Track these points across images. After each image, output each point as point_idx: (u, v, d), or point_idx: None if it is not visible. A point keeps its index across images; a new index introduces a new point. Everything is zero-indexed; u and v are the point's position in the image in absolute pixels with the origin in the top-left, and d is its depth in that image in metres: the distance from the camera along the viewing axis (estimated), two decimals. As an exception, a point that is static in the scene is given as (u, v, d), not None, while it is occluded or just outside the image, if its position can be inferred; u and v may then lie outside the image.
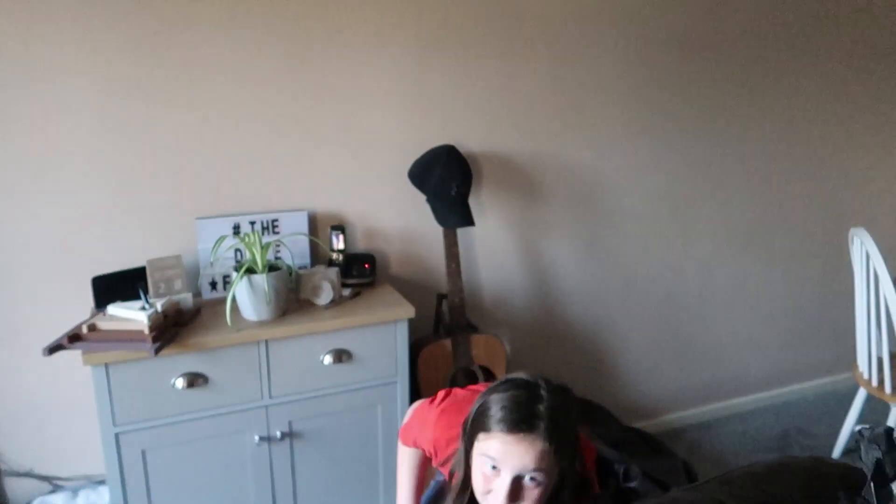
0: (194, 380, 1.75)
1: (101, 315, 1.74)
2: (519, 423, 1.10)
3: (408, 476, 1.55)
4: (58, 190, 1.89)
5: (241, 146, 2.04)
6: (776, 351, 3.04)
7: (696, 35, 2.53)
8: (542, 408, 1.11)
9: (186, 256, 1.98)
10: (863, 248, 2.25)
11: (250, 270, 1.82)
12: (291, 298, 1.98)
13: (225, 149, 2.02)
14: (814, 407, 3.06)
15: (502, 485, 1.11)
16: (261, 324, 1.83)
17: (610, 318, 2.68)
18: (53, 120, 1.85)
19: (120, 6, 1.85)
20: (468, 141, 2.28)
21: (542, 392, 1.14)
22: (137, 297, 1.75)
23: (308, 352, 1.86)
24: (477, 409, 1.18)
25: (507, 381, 1.19)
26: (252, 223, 2.04)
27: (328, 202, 2.17)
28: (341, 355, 1.88)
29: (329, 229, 2.13)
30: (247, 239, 1.83)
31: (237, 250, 2.00)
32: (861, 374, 2.37)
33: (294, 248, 2.08)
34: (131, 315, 1.69)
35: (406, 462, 1.55)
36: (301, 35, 2.04)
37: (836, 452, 2.61)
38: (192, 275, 1.99)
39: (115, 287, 1.87)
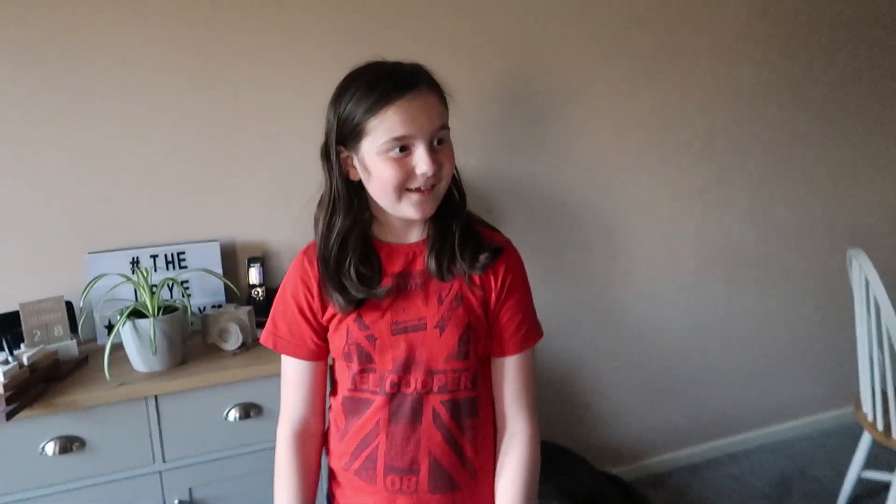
0: (69, 444, 1.48)
1: (-45, 370, 1.48)
2: (404, 81, 0.99)
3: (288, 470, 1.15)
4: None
5: (140, 170, 1.80)
6: (772, 383, 2.73)
7: (685, 44, 2.28)
8: (406, 66, 1.03)
9: (78, 296, 1.73)
10: (861, 273, 1.97)
11: (137, 313, 1.56)
12: (196, 344, 1.72)
13: (121, 173, 1.79)
14: (816, 446, 2.75)
15: (422, 153, 0.99)
16: (150, 376, 1.56)
17: (584, 352, 2.40)
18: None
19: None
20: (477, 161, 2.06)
21: (388, 61, 1.05)
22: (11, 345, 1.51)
23: (209, 407, 1.60)
24: (340, 117, 1.03)
25: (348, 76, 1.05)
26: (153, 257, 1.78)
27: (247, 231, 1.91)
28: (249, 409, 1.61)
29: (247, 261, 1.87)
30: (136, 276, 1.58)
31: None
32: (865, 416, 2.07)
33: (206, 285, 1.82)
34: (-13, 370, 1.43)
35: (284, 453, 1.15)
36: (208, 44, 1.81)
37: (842, 501, 2.31)
38: (87, 315, 1.73)
39: (-14, 335, 1.61)
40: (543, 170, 2.21)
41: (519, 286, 1.12)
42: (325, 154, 1.07)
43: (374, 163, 1.01)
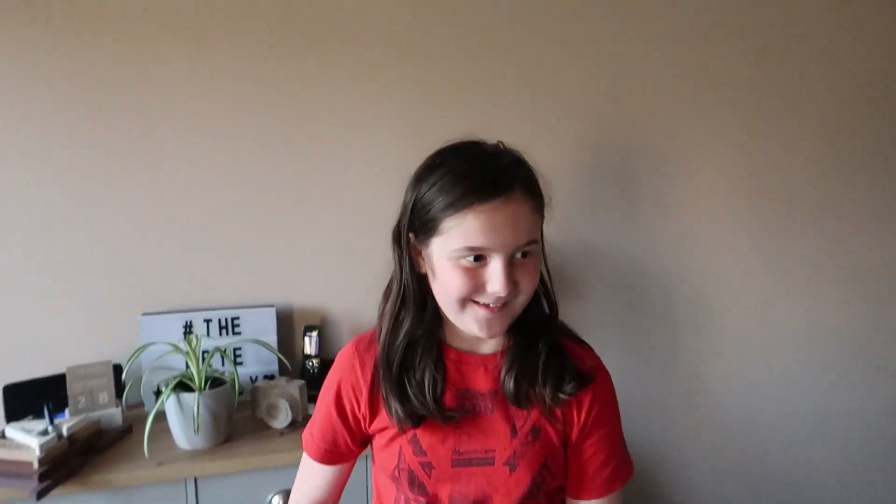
0: (101, 526, 1.38)
1: (-4, 437, 1.41)
2: (495, 182, 0.82)
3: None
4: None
5: (199, 230, 1.74)
6: (879, 487, 2.40)
7: (790, 98, 2.09)
8: (506, 161, 0.86)
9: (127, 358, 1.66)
10: None
11: (183, 385, 1.46)
12: (244, 417, 1.61)
13: (179, 233, 1.72)
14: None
15: (497, 269, 0.82)
16: (192, 454, 1.45)
17: (666, 443, 2.17)
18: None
19: (67, 70, 1.61)
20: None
21: (490, 147, 0.88)
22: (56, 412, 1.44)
23: (252, 492, 1.47)
24: (415, 204, 0.87)
25: (434, 157, 0.89)
26: (207, 321, 1.70)
27: (305, 296, 1.81)
28: (294, 497, 1.48)
29: (303, 329, 1.76)
30: (185, 346, 1.49)
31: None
32: None
33: (259, 353, 1.72)
34: (25, 440, 1.35)
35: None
36: (274, 106, 1.75)
37: None
38: (135, 381, 1.65)
39: (31, 398, 1.55)
40: (628, 240, 2.03)
41: (607, 418, 0.94)
42: (396, 238, 0.93)
43: (442, 265, 0.86)
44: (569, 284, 2.00)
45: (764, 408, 2.24)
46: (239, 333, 1.71)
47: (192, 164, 1.72)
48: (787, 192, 2.14)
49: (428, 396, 0.89)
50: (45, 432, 1.37)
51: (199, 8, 1.68)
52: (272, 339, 1.71)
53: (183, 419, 1.44)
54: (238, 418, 1.59)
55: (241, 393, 1.55)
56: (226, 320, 1.71)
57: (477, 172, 0.83)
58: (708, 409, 2.19)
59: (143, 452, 1.40)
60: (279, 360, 1.72)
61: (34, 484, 1.29)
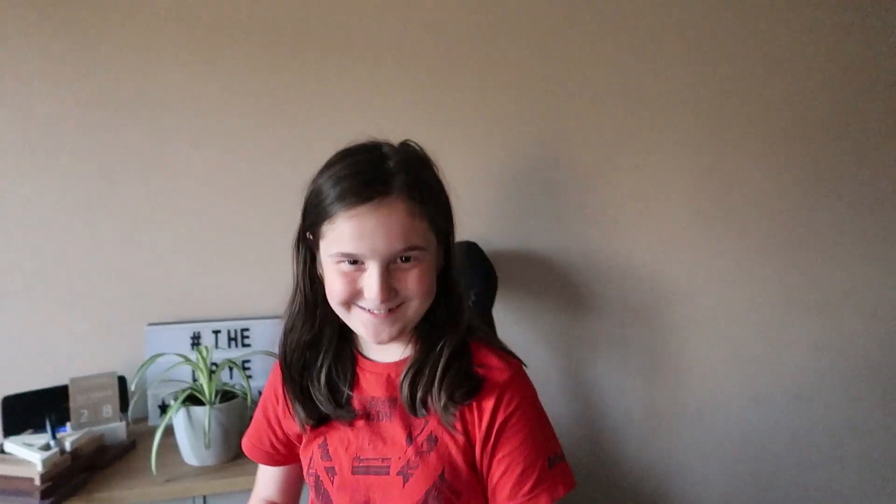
0: (105, 546, 1.32)
1: (-6, 452, 1.34)
2: (367, 185, 0.79)
3: None
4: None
5: (206, 240, 1.69)
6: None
7: (796, 108, 2.07)
8: (390, 163, 0.82)
9: (134, 371, 1.59)
10: None
11: (194, 399, 1.41)
12: (253, 433, 1.55)
13: (187, 243, 1.68)
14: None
15: (371, 276, 0.79)
16: (201, 471, 1.39)
17: (674, 460, 2.12)
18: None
19: (72, 75, 1.57)
20: (493, 236, 1.85)
21: (385, 149, 0.85)
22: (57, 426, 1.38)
23: (262, 511, 1.41)
24: (308, 198, 0.86)
25: (335, 154, 0.87)
26: (216, 332, 1.64)
27: (316, 308, 1.76)
28: (306, 517, 1.42)
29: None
30: (196, 357, 1.43)
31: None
32: None
33: (267, 366, 1.66)
34: (26, 456, 1.29)
35: None
36: (284, 112, 1.72)
37: None
38: (141, 393, 1.59)
39: (31, 410, 1.49)
40: (638, 256, 2.00)
41: (520, 430, 0.85)
42: (296, 241, 0.91)
43: (326, 269, 0.84)
44: (591, 300, 1.96)
45: (777, 426, 2.21)
46: (248, 345, 1.66)
47: (199, 174, 1.68)
48: (798, 215, 2.12)
49: (328, 397, 0.89)
50: (46, 447, 1.31)
51: (207, 17, 1.65)
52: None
53: (192, 434, 1.38)
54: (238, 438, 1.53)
55: (249, 408, 1.49)
56: (235, 332, 1.65)
57: (352, 176, 0.80)
58: (715, 429, 2.15)
59: (150, 468, 1.34)
60: (289, 373, 1.67)
61: (36, 501, 1.23)
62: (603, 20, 1.89)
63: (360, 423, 0.89)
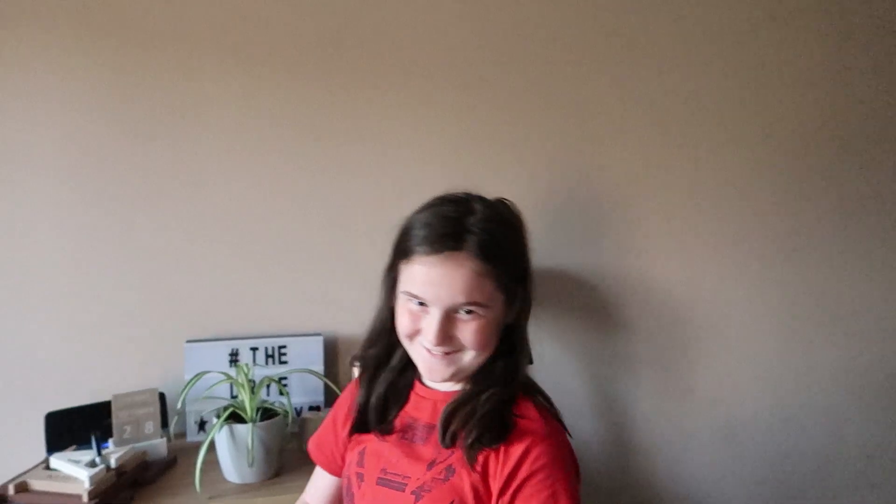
0: (150, 563, 1.33)
1: (41, 468, 1.36)
2: (442, 238, 0.86)
3: None
4: (19, 302, 1.59)
5: (244, 257, 1.71)
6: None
7: (824, 122, 2.08)
8: (472, 220, 0.87)
9: (173, 387, 1.61)
10: None
11: (236, 416, 1.42)
12: (293, 450, 1.56)
13: (224, 259, 1.70)
14: None
15: (431, 321, 0.87)
16: (243, 488, 1.40)
17: (704, 480, 2.11)
18: (20, 219, 1.59)
19: (116, 94, 1.60)
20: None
21: (476, 204, 0.90)
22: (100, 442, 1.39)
23: (302, 529, 1.41)
24: (399, 234, 0.94)
25: (432, 199, 0.94)
26: (254, 349, 1.66)
27: (351, 325, 1.77)
28: (345, 535, 1.42)
29: (349, 359, 1.72)
30: (237, 375, 1.44)
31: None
32: None
33: (306, 383, 1.68)
34: (73, 472, 1.30)
35: None
36: (325, 128, 1.73)
37: None
38: (179, 412, 1.60)
39: (74, 426, 1.51)
40: (664, 277, 2.01)
41: (541, 489, 0.84)
42: (387, 268, 0.97)
43: (398, 300, 0.92)
44: (620, 317, 1.97)
45: (808, 447, 2.19)
46: (285, 362, 1.67)
47: (238, 192, 1.70)
48: (822, 229, 2.13)
49: (378, 410, 0.98)
50: (93, 463, 1.32)
51: (248, 31, 1.67)
52: (319, 369, 1.67)
53: (235, 452, 1.39)
54: (285, 451, 1.54)
55: (288, 425, 1.50)
56: (272, 349, 1.67)
57: (433, 225, 0.87)
58: (745, 449, 2.14)
59: (192, 485, 1.35)
60: (325, 391, 1.69)
61: (84, 518, 1.23)
62: (627, 41, 1.91)
63: (394, 438, 0.96)
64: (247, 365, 1.48)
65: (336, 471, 1.10)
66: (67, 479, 1.30)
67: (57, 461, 1.34)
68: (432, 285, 0.85)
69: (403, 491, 0.90)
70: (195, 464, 1.33)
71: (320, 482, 1.14)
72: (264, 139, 1.71)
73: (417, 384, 1.00)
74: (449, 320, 0.86)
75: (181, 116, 1.65)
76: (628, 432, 2.01)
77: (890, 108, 2.12)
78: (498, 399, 0.90)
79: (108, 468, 1.33)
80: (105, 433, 1.46)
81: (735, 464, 2.14)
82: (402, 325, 0.90)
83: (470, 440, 0.87)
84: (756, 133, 2.03)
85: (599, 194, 1.93)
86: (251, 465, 1.38)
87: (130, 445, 1.44)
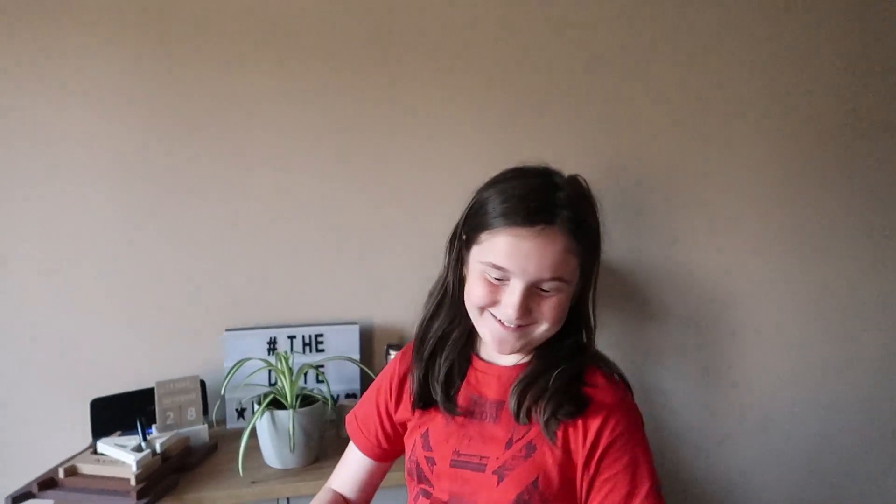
0: (194, 545, 1.35)
1: (88, 453, 1.39)
2: (536, 212, 0.84)
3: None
4: (63, 291, 1.63)
5: (282, 247, 1.72)
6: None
7: (858, 114, 2.04)
8: (562, 195, 0.86)
9: (213, 375, 1.64)
10: None
11: (276, 403, 1.44)
12: (331, 437, 1.58)
13: (262, 248, 1.71)
14: None
15: (513, 296, 0.85)
16: (284, 473, 1.42)
17: (739, 469, 2.09)
18: (66, 210, 1.62)
19: (152, 84, 1.63)
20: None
21: (558, 179, 0.89)
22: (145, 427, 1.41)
23: (342, 514, 1.43)
24: (472, 207, 0.91)
25: (508, 171, 0.92)
26: (291, 338, 1.67)
27: (387, 314, 1.78)
28: (385, 521, 1.43)
29: (385, 348, 1.73)
30: (276, 362, 1.46)
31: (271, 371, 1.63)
32: None
33: (342, 371, 1.69)
34: (120, 456, 1.33)
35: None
36: (360, 117, 1.74)
37: None
38: (216, 397, 1.63)
39: (118, 413, 1.54)
40: (698, 263, 1.98)
41: (623, 453, 0.86)
42: (452, 235, 0.95)
43: (472, 271, 0.90)
44: (656, 307, 1.95)
45: (846, 434, 2.16)
46: (322, 350, 1.68)
47: (276, 182, 1.71)
48: (856, 216, 2.08)
49: (441, 388, 0.95)
50: (139, 448, 1.35)
51: (293, 25, 1.68)
52: (355, 357, 1.68)
53: (276, 437, 1.41)
54: (324, 437, 1.56)
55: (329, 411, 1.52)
56: (310, 337, 1.68)
57: (523, 197, 0.85)
58: (783, 437, 2.11)
59: (235, 470, 1.37)
60: (361, 378, 1.70)
61: (132, 501, 1.26)
62: (667, 32, 1.89)
63: (461, 419, 0.94)
64: (286, 352, 1.50)
65: (370, 450, 1.07)
66: (115, 463, 1.32)
67: (104, 446, 1.37)
68: (520, 258, 0.83)
69: (484, 471, 0.89)
70: (237, 449, 1.36)
71: (352, 466, 1.10)
72: (306, 131, 1.72)
73: (476, 359, 0.98)
74: (529, 294, 0.85)
75: (225, 109, 1.67)
76: (663, 420, 1.99)
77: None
78: (570, 373, 0.90)
79: (153, 453, 1.35)
80: (149, 419, 1.49)
81: (773, 452, 2.11)
82: (477, 296, 0.87)
83: (546, 415, 0.87)
84: (795, 125, 2.00)
85: (638, 182, 1.91)
86: (292, 450, 1.40)
87: (174, 431, 1.46)
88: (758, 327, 2.05)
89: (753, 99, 1.96)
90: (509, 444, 0.89)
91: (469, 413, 0.94)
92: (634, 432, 0.88)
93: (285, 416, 1.39)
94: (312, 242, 1.74)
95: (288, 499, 1.40)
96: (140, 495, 1.27)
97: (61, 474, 1.31)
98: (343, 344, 1.69)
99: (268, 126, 1.69)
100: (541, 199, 0.85)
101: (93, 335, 1.65)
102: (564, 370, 0.90)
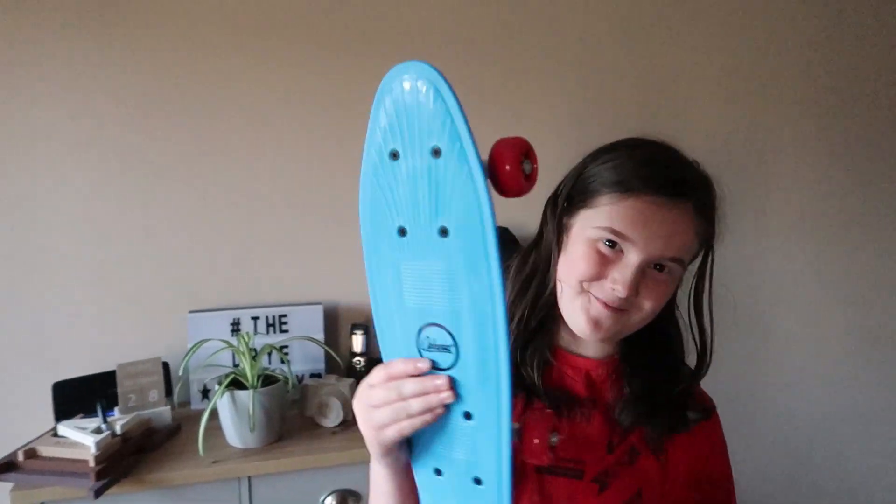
0: (155, 525, 1.36)
1: (49, 435, 1.39)
2: (677, 183, 0.75)
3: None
4: (27, 275, 1.61)
5: (246, 227, 1.72)
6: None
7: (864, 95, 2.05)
8: (693, 173, 0.78)
9: (177, 357, 1.64)
10: None
11: (236, 383, 1.44)
12: (293, 416, 1.59)
13: (225, 230, 1.71)
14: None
15: (628, 265, 0.74)
16: (245, 452, 1.43)
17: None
18: (28, 192, 1.60)
19: (120, 67, 1.61)
20: (531, 222, 1.85)
21: (684, 156, 0.80)
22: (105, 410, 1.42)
23: (305, 491, 1.45)
24: (583, 170, 0.80)
25: (624, 139, 0.81)
26: (255, 319, 1.68)
27: (352, 294, 1.79)
28: (347, 497, 1.46)
29: (350, 327, 1.74)
30: (238, 343, 1.47)
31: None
32: None
33: (307, 351, 1.70)
34: (79, 438, 1.34)
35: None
36: (328, 98, 1.73)
37: None
38: (183, 378, 1.63)
39: (80, 396, 1.54)
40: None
41: (719, 464, 0.83)
42: (552, 202, 0.83)
43: (576, 239, 0.78)
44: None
45: (810, 405, 2.21)
46: (286, 331, 1.69)
47: (240, 163, 1.70)
48: (840, 202, 2.11)
49: (536, 373, 0.81)
50: (98, 430, 1.36)
51: (255, 6, 1.66)
52: (319, 337, 1.69)
53: (237, 417, 1.42)
54: (287, 417, 1.57)
55: (288, 391, 1.53)
56: (273, 318, 1.69)
57: (661, 166, 0.76)
58: (750, 409, 2.16)
59: (196, 450, 1.38)
60: (326, 358, 1.71)
61: (91, 482, 1.27)
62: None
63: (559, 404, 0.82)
64: (248, 333, 1.50)
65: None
66: (74, 445, 1.33)
67: (64, 428, 1.37)
68: (648, 227, 0.73)
69: (582, 479, 0.78)
70: (198, 430, 1.37)
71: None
72: (270, 113, 1.71)
73: (559, 350, 0.85)
74: (640, 271, 0.74)
75: (187, 93, 1.66)
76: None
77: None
78: (685, 385, 0.83)
79: (113, 435, 1.36)
80: (110, 402, 1.49)
81: (740, 423, 2.15)
82: (582, 268, 0.75)
83: (660, 427, 0.79)
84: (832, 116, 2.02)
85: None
86: (252, 429, 1.41)
87: (135, 413, 1.47)
88: (733, 310, 2.07)
89: (792, 87, 1.97)
90: (610, 447, 0.79)
91: (558, 411, 0.80)
92: (724, 438, 0.85)
93: (246, 396, 1.40)
94: (276, 223, 1.74)
95: (249, 478, 1.41)
96: (99, 476, 1.28)
97: (21, 457, 1.31)
98: (307, 324, 1.70)
99: (233, 108, 1.68)
100: (679, 171, 0.77)
101: (55, 318, 1.64)
102: (682, 391, 0.83)
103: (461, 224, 0.55)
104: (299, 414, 1.60)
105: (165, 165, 1.66)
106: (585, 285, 0.76)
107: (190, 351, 1.46)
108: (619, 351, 0.85)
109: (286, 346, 1.69)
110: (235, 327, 1.67)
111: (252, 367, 1.44)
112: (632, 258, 0.74)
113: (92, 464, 1.28)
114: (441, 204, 0.55)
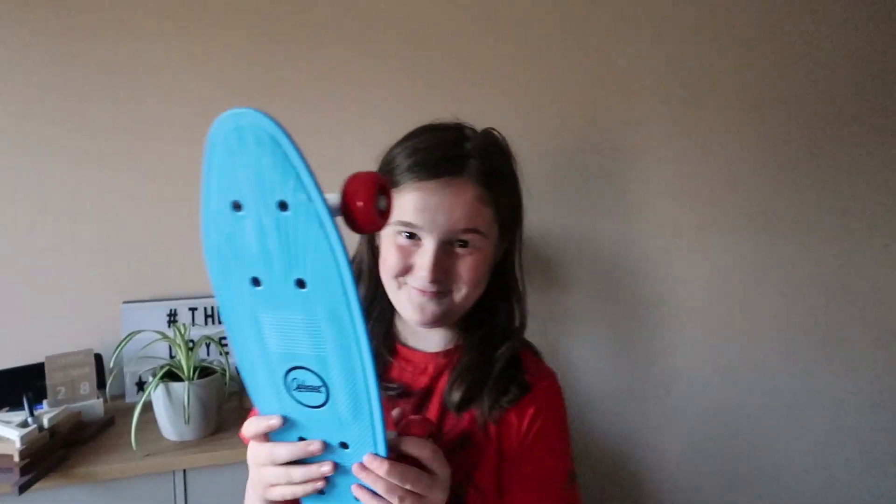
0: (84, 521, 1.33)
1: (-29, 430, 1.34)
2: (441, 163, 0.80)
3: None
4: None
5: (181, 215, 1.68)
6: (854, 478, 2.47)
7: (778, 87, 2.12)
8: (469, 145, 0.82)
9: (111, 349, 1.59)
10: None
11: (172, 375, 1.42)
12: (232, 409, 1.57)
13: (160, 218, 1.67)
14: (899, 550, 2.46)
15: (425, 251, 0.79)
16: (180, 445, 1.41)
17: (640, 432, 2.18)
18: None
19: (39, 51, 1.55)
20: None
21: (468, 130, 0.85)
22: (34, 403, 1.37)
23: (241, 485, 1.39)
24: (381, 166, 0.85)
25: (417, 128, 0.87)
26: (192, 310, 1.65)
27: (293, 285, 1.77)
28: (285, 489, 1.44)
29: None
30: (174, 334, 1.44)
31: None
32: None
33: (246, 342, 1.67)
34: (3, 432, 1.29)
35: None
36: (267, 86, 1.70)
37: None
38: (117, 371, 1.59)
39: (7, 388, 1.49)
40: (610, 234, 2.05)
41: (551, 437, 0.85)
42: None
43: (384, 239, 0.84)
44: (550, 275, 2.00)
45: (742, 398, 2.28)
46: (225, 323, 1.66)
47: (175, 149, 1.67)
48: (765, 195, 2.19)
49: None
50: (24, 424, 1.31)
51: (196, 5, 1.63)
52: (259, 329, 1.66)
53: (171, 409, 1.39)
54: (225, 410, 1.54)
55: (227, 384, 1.51)
56: (211, 309, 1.66)
57: (427, 150, 0.81)
58: (682, 402, 2.22)
59: (129, 444, 1.34)
60: (266, 350, 1.69)
61: (15, 478, 1.23)
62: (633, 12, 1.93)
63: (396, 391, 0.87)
64: (183, 325, 1.47)
65: None
66: (-1, 440, 1.28)
67: (-12, 423, 1.32)
68: (429, 211, 0.77)
69: None
70: (131, 422, 1.33)
71: None
72: (204, 99, 1.67)
73: (399, 347, 0.90)
74: (444, 253, 0.79)
75: (120, 79, 1.61)
76: (571, 385, 2.06)
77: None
78: (508, 355, 0.86)
79: (40, 428, 1.31)
80: (39, 395, 1.45)
81: (674, 415, 2.22)
82: (391, 263, 0.81)
83: (490, 402, 0.82)
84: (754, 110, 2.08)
85: (539, 154, 1.95)
86: (187, 422, 1.38)
87: (65, 406, 1.43)
88: (661, 296, 2.13)
89: (699, 77, 2.02)
90: (440, 435, 0.83)
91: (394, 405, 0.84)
92: (562, 419, 0.88)
93: (180, 388, 1.38)
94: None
95: (185, 471, 1.38)
96: (24, 471, 1.24)
97: (-61, 452, 1.26)
98: (247, 315, 1.67)
99: (167, 93, 1.64)
100: (448, 150, 0.81)
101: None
102: (503, 353, 0.85)
103: (317, 276, 0.54)
104: (238, 406, 1.58)
105: (96, 154, 1.62)
106: (401, 279, 0.82)
107: (121, 343, 1.42)
108: (459, 338, 0.89)
109: (225, 338, 1.66)
110: (172, 318, 1.63)
111: (188, 358, 1.42)
112: (427, 243, 0.79)
113: (16, 458, 1.24)
114: (295, 256, 0.53)
